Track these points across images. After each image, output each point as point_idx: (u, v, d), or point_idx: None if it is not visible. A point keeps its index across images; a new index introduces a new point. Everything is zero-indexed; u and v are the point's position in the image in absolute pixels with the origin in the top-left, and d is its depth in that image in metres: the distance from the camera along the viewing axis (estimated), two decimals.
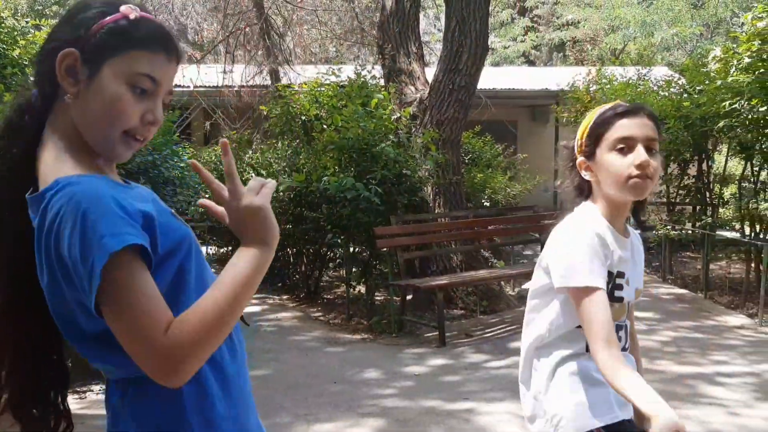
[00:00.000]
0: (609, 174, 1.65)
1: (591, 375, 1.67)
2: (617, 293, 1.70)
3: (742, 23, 6.48)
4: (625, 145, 1.64)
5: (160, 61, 1.20)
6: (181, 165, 6.35)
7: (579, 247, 1.62)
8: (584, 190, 1.76)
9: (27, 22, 6.32)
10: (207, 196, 6.34)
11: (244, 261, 1.15)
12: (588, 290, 1.58)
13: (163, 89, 1.22)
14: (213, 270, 1.30)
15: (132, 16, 1.19)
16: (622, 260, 1.70)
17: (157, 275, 1.12)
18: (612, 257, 1.66)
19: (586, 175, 1.72)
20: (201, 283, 1.22)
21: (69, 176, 1.13)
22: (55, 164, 1.17)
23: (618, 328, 1.72)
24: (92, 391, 4.29)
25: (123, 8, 1.19)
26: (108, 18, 1.18)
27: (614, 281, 1.69)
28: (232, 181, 1.17)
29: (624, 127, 1.65)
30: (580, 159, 1.72)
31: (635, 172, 1.62)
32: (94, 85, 1.17)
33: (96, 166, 1.21)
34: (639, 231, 1.87)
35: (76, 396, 4.20)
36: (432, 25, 21.56)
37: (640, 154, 1.62)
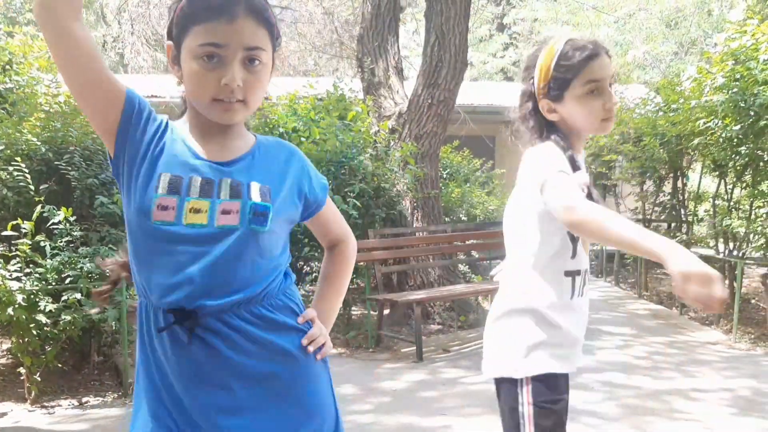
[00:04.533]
0: (583, 116, 1.74)
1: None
2: None
3: (715, 44, 6.58)
4: (596, 88, 1.72)
5: (221, 25, 1.27)
6: None
7: (549, 158, 1.67)
8: (543, 132, 1.80)
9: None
10: None
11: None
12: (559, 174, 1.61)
13: (232, 49, 1.28)
14: None
15: None
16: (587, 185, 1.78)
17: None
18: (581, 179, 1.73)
19: (552, 116, 1.78)
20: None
21: None
22: None
23: (578, 273, 1.78)
24: (60, 406, 4.19)
25: None
26: (179, 5, 1.31)
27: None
28: None
29: (593, 71, 1.72)
30: (544, 101, 1.77)
31: (606, 115, 1.73)
32: (183, 68, 1.32)
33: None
34: None
35: (45, 411, 4.10)
36: (411, 39, 21.67)
37: (609, 96, 1.73)
